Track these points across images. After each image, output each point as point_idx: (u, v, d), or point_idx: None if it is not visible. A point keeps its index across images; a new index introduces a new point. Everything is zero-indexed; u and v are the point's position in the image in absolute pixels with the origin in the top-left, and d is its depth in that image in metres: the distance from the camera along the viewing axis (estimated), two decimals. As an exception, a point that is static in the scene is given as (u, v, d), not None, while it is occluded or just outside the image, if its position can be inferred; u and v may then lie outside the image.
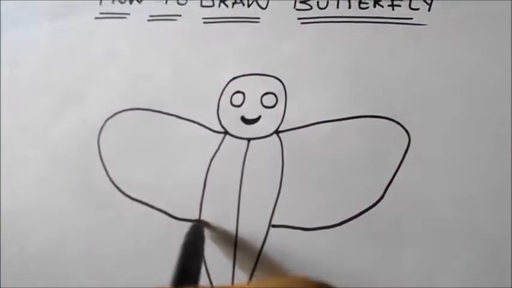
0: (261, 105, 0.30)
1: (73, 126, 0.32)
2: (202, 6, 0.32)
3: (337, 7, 0.30)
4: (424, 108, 0.27)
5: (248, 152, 0.29)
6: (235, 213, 0.28)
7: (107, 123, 0.32)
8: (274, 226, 0.28)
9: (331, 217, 0.27)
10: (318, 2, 0.30)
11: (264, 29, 0.31)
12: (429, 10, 0.29)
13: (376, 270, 0.26)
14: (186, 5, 0.33)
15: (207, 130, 0.30)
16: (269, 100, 0.30)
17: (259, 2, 0.31)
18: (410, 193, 0.26)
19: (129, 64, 0.33)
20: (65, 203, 0.31)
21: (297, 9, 0.31)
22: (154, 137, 0.31)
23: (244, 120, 0.30)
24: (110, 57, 0.33)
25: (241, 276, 0.28)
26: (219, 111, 0.30)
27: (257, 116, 0.30)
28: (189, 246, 0.26)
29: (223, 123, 0.30)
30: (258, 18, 0.31)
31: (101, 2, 0.34)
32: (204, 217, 0.29)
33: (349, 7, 0.30)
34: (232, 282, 0.27)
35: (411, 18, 0.29)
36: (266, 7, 0.31)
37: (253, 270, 0.28)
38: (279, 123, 0.29)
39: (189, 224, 0.28)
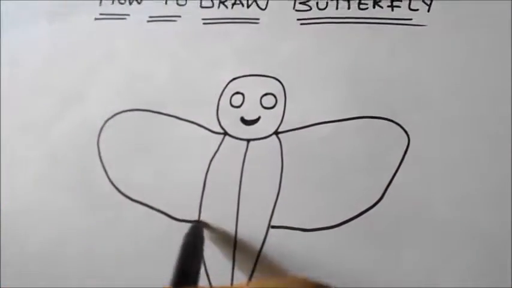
0: (260, 106, 0.30)
1: (73, 127, 0.32)
2: (201, 7, 0.32)
3: (337, 8, 0.30)
4: (424, 108, 0.27)
5: (247, 153, 0.29)
6: (234, 214, 0.28)
7: (107, 124, 0.32)
8: (273, 227, 0.28)
9: (330, 218, 0.27)
10: (317, 3, 0.30)
11: (263, 30, 0.31)
12: (428, 11, 0.29)
13: (376, 271, 0.26)
14: (186, 5, 0.33)
15: (206, 131, 0.30)
16: (268, 101, 0.30)
17: (259, 3, 0.31)
18: (409, 193, 0.26)
19: (128, 65, 0.33)
20: (65, 203, 0.31)
21: (297, 10, 0.31)
22: (154, 137, 0.31)
23: (244, 121, 0.30)
24: (109, 58, 0.33)
25: (241, 277, 0.28)
26: (219, 112, 0.30)
27: (256, 116, 0.30)
28: (188, 247, 0.26)
29: (222, 124, 0.30)
30: (258, 19, 0.31)
31: (100, 3, 0.34)
32: (203, 218, 0.29)
33: (349, 8, 0.30)
34: (232, 283, 0.27)
35: (410, 19, 0.29)
36: (265, 8, 0.31)
37: (252, 271, 0.28)
38: (278, 124, 0.29)
39: (188, 225, 0.28)
